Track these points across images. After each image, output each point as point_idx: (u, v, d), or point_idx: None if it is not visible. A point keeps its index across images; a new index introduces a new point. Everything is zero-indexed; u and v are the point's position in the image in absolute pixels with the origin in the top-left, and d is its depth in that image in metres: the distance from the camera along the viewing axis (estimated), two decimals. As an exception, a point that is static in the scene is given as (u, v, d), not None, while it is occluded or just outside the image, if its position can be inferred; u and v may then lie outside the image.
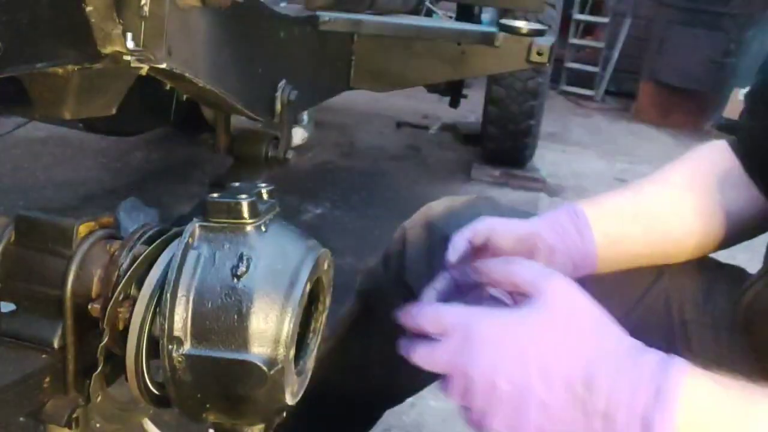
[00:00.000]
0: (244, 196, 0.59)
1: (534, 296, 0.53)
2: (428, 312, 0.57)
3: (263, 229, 0.59)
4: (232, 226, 0.58)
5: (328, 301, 0.65)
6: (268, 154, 1.57)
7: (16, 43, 0.66)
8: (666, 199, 0.79)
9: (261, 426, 0.62)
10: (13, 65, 0.67)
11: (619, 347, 0.50)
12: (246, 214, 0.59)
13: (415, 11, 2.43)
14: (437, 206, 0.93)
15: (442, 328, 0.55)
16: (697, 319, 0.79)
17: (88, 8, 0.72)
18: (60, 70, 0.80)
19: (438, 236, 0.88)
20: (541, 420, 0.48)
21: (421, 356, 0.55)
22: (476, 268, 0.61)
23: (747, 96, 0.82)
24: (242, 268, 0.56)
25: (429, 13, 2.74)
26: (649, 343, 0.71)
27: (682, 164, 0.83)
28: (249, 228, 0.58)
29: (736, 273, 0.84)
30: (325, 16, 1.62)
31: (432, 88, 3.22)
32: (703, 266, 0.84)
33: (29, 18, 0.67)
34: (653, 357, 0.48)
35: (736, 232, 0.79)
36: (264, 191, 0.64)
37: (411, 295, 0.83)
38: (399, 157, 3.56)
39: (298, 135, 1.97)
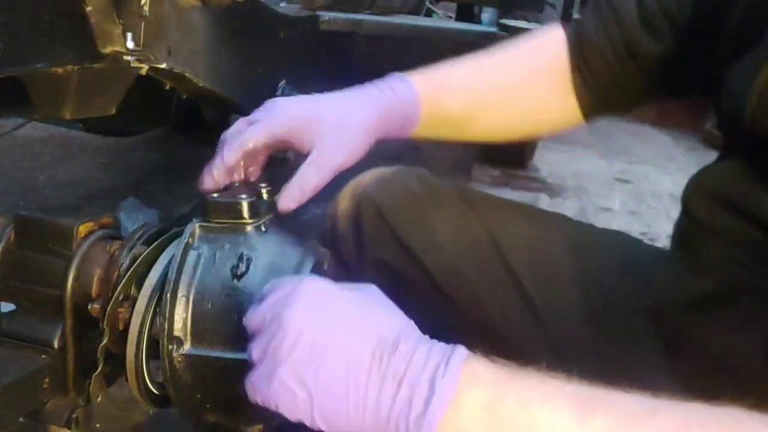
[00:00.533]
0: (244, 196, 0.59)
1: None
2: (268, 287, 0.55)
3: (263, 229, 0.59)
4: (232, 226, 0.59)
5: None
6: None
7: (16, 43, 0.66)
8: (496, 77, 0.81)
9: (260, 426, 0.62)
10: (13, 65, 0.67)
11: (417, 329, 0.51)
12: (246, 214, 0.59)
13: (415, 11, 2.43)
14: (365, 177, 0.93)
15: (274, 287, 0.53)
16: (613, 303, 0.79)
17: (88, 8, 0.72)
18: (60, 70, 0.80)
19: (365, 207, 0.88)
20: (333, 374, 0.47)
21: (247, 317, 0.53)
22: None
23: None
24: (242, 268, 0.56)
25: (429, 13, 2.74)
26: (564, 325, 0.75)
27: (523, 51, 0.83)
28: (249, 228, 0.58)
29: (658, 254, 0.84)
30: (325, 16, 1.62)
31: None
32: (623, 244, 0.85)
33: (29, 18, 0.67)
34: (443, 342, 0.50)
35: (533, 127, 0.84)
36: (264, 191, 0.64)
37: (344, 268, 0.85)
38: (399, 157, 3.55)
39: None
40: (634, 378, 0.47)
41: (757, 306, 0.61)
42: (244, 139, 0.67)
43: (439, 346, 0.48)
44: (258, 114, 0.69)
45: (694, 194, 0.67)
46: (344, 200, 0.92)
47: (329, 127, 0.69)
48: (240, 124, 0.69)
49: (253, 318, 0.52)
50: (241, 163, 0.69)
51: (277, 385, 0.48)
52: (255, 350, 0.51)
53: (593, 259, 0.82)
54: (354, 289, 0.53)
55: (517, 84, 0.81)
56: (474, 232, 0.85)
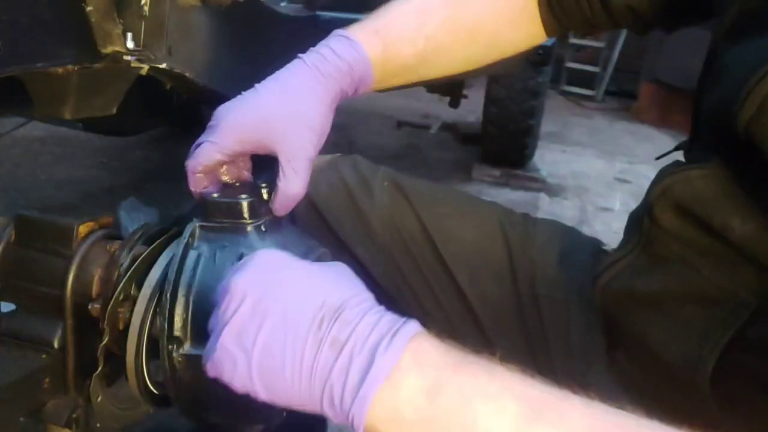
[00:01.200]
0: (244, 196, 0.59)
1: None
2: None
3: (263, 229, 0.59)
4: (232, 226, 0.58)
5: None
6: (268, 154, 1.57)
7: (16, 43, 0.66)
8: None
9: (260, 426, 0.62)
10: (13, 65, 0.67)
11: (369, 299, 0.49)
12: (246, 214, 0.59)
13: (415, 11, 2.43)
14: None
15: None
16: (548, 293, 0.78)
17: (88, 8, 0.72)
18: (60, 70, 0.80)
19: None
20: (272, 337, 0.46)
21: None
22: None
23: None
24: (242, 268, 0.56)
25: (429, 13, 2.73)
26: (497, 317, 0.72)
27: None
28: (249, 228, 0.58)
29: (594, 243, 0.83)
30: (325, 16, 1.62)
31: (432, 88, 3.22)
32: (559, 236, 0.83)
33: (29, 18, 0.67)
34: (396, 315, 0.48)
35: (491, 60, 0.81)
36: (264, 191, 0.64)
37: None
38: (399, 157, 3.56)
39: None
40: (566, 367, 0.46)
41: (701, 311, 0.60)
42: (194, 163, 0.64)
43: (389, 318, 0.46)
44: (208, 131, 0.67)
45: (661, 200, 0.65)
46: None
47: (286, 127, 0.66)
48: (194, 147, 0.67)
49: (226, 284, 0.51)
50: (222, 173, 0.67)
51: (219, 351, 0.47)
52: (210, 323, 0.50)
53: (528, 249, 0.81)
54: (314, 263, 0.52)
55: (473, 21, 0.78)
56: (407, 222, 0.84)
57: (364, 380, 0.42)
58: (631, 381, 0.51)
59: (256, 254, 0.51)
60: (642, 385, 0.50)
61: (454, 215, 0.85)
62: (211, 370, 0.49)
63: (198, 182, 0.64)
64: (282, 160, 0.65)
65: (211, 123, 0.67)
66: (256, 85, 0.69)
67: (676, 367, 0.61)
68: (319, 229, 0.85)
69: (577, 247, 0.82)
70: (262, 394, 0.47)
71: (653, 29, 0.80)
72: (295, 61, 0.70)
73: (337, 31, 0.72)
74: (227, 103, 0.68)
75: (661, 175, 0.66)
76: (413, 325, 0.45)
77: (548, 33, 0.82)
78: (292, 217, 0.83)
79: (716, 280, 0.60)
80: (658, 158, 0.74)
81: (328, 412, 0.45)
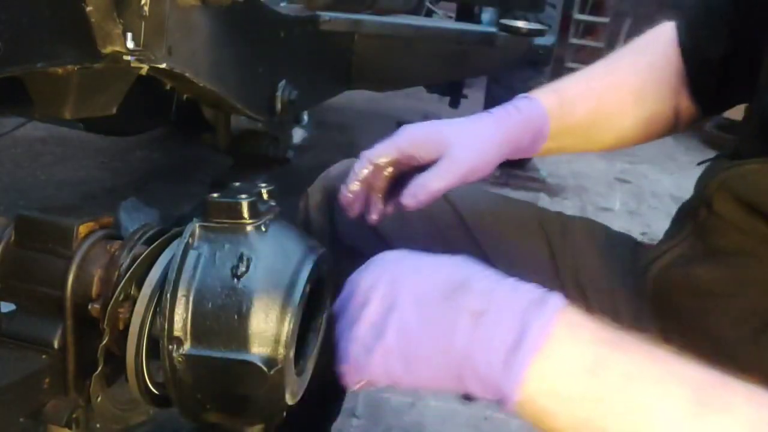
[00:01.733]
0: (244, 196, 0.59)
1: None
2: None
3: (263, 229, 0.59)
4: (232, 226, 0.58)
5: (328, 301, 0.65)
6: (268, 154, 1.57)
7: (16, 43, 0.66)
8: (614, 85, 0.81)
9: (261, 426, 0.62)
10: (13, 65, 0.67)
11: (501, 275, 0.48)
12: (246, 214, 0.59)
13: (415, 11, 2.43)
14: (334, 169, 0.94)
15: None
16: (593, 284, 0.80)
17: (88, 8, 0.72)
18: (60, 70, 0.80)
19: (336, 197, 0.87)
20: (405, 319, 0.45)
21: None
22: None
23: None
24: (242, 269, 0.56)
25: (429, 13, 2.74)
26: None
27: (634, 53, 0.84)
28: (249, 228, 0.58)
29: (627, 238, 0.86)
30: (325, 16, 1.62)
31: (432, 88, 3.22)
32: (595, 230, 0.86)
33: (29, 18, 0.67)
34: (532, 284, 0.46)
35: (653, 130, 0.83)
36: (264, 191, 0.64)
37: None
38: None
39: (298, 135, 1.97)
40: None
41: (762, 297, 0.63)
42: (372, 153, 0.71)
43: (528, 286, 0.44)
44: (390, 136, 0.72)
45: (720, 192, 0.67)
46: (315, 193, 0.93)
47: (455, 141, 0.69)
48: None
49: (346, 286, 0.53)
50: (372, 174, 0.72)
51: (355, 347, 0.47)
52: (338, 327, 0.50)
53: (569, 242, 0.84)
54: (432, 255, 0.52)
55: (640, 86, 0.81)
56: (446, 218, 0.86)
57: (517, 350, 0.40)
58: None
59: (376, 256, 0.52)
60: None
61: (492, 212, 0.87)
62: (350, 374, 0.48)
63: (354, 187, 0.71)
64: (438, 162, 0.69)
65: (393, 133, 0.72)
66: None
67: (737, 351, 0.63)
68: (357, 224, 0.85)
69: (613, 241, 0.85)
70: (405, 380, 0.45)
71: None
72: (481, 113, 0.76)
73: (521, 95, 0.79)
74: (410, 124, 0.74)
75: (712, 171, 0.69)
76: (559, 296, 0.43)
77: (702, 105, 0.82)
78: (330, 213, 0.88)
79: None
80: (699, 164, 0.76)
81: (474, 387, 0.43)
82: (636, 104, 0.81)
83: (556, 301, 0.43)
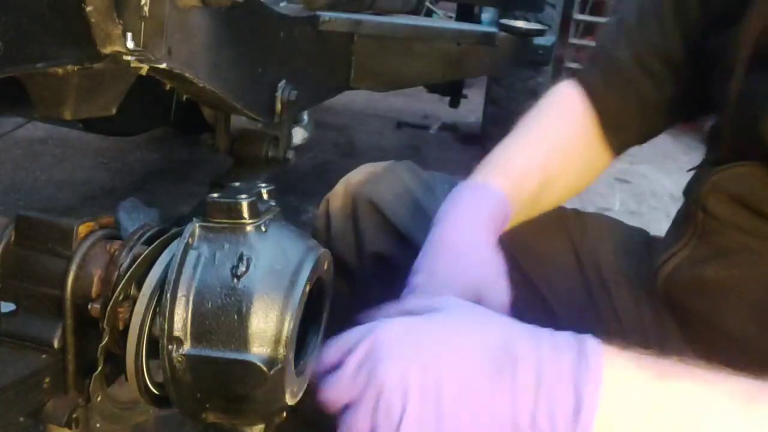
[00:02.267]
0: (244, 196, 0.59)
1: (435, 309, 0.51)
2: (333, 344, 0.52)
3: (263, 229, 0.59)
4: (232, 226, 0.58)
5: (328, 301, 0.65)
6: (268, 154, 1.57)
7: (16, 43, 0.66)
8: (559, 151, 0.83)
9: (261, 426, 0.62)
10: (13, 65, 0.67)
11: (527, 327, 0.47)
12: (246, 214, 0.59)
13: (415, 11, 2.43)
14: (357, 174, 0.94)
15: (347, 348, 0.50)
16: (614, 278, 0.81)
17: (88, 8, 0.72)
18: (60, 70, 0.80)
19: (360, 202, 0.89)
20: (456, 415, 0.43)
21: (330, 387, 0.48)
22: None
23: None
24: (242, 269, 0.56)
25: (429, 13, 2.74)
26: (573, 309, 0.76)
27: (553, 119, 0.86)
28: (249, 228, 0.58)
29: (641, 232, 0.88)
30: (325, 16, 1.62)
31: (432, 88, 3.22)
32: (611, 225, 0.88)
33: (29, 18, 0.67)
34: (564, 333, 0.46)
35: (595, 173, 0.88)
36: (264, 191, 0.64)
37: (340, 265, 0.83)
38: (399, 157, 3.55)
39: (298, 135, 1.97)
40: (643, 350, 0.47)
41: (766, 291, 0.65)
42: None
43: (564, 342, 0.44)
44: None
45: (713, 195, 0.69)
46: (337, 199, 0.93)
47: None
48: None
49: (338, 389, 0.48)
50: None
51: None
52: (359, 423, 0.46)
53: (588, 238, 0.86)
54: (429, 310, 0.49)
55: (574, 142, 0.84)
56: None
57: (579, 416, 0.41)
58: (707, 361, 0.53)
59: (378, 332, 0.47)
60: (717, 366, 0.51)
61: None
62: None
63: None
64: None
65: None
66: None
67: (751, 348, 0.66)
68: (384, 231, 0.87)
69: (627, 235, 0.87)
70: None
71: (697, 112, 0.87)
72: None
73: (476, 186, 0.76)
74: None
75: (703, 174, 0.72)
76: (592, 342, 0.44)
77: (613, 148, 0.87)
78: (355, 220, 0.88)
79: None
80: (689, 170, 0.80)
81: None
82: (575, 160, 0.84)
83: (594, 348, 0.44)
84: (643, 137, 0.88)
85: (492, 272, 0.68)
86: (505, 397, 0.43)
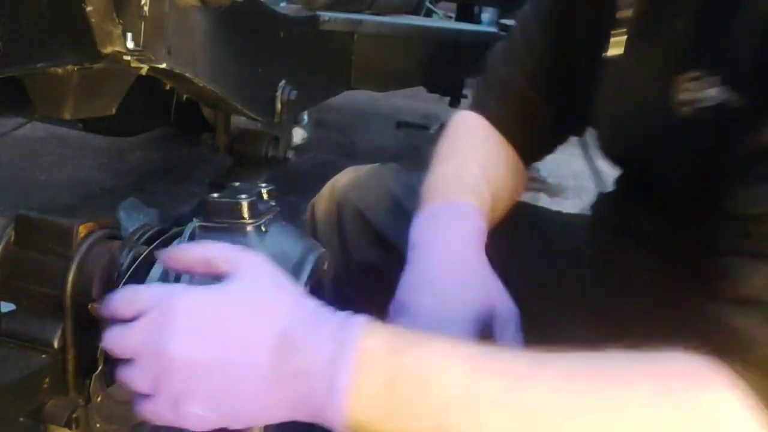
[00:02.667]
0: (244, 196, 0.59)
1: (231, 272, 0.52)
2: (124, 294, 0.53)
3: (263, 229, 0.59)
4: (232, 226, 0.58)
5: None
6: (268, 154, 1.57)
7: (16, 43, 0.66)
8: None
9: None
10: (13, 65, 0.67)
11: (309, 308, 0.51)
12: (246, 214, 0.59)
13: (415, 11, 2.43)
14: (342, 178, 0.94)
15: (138, 309, 0.51)
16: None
17: (88, 8, 0.72)
18: (60, 70, 0.80)
19: (346, 209, 0.89)
20: (234, 390, 0.47)
21: (112, 339, 0.51)
22: (171, 255, 0.56)
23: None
24: (242, 268, 0.56)
25: (429, 13, 2.74)
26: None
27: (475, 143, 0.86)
28: (249, 228, 0.58)
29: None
30: (325, 16, 1.62)
31: (432, 88, 3.21)
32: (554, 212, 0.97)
33: (29, 18, 0.67)
34: (338, 316, 0.50)
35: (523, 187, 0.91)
36: (264, 191, 0.64)
37: None
38: (399, 157, 3.55)
39: (298, 135, 1.97)
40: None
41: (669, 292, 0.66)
42: None
43: (329, 327, 0.48)
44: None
45: (598, 225, 0.80)
46: (322, 203, 0.93)
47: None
48: None
49: (124, 345, 0.50)
50: None
51: (182, 414, 0.48)
52: (139, 379, 0.49)
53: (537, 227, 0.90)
54: (229, 284, 0.51)
55: (495, 162, 0.84)
56: None
57: (332, 399, 0.46)
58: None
59: (172, 302, 0.49)
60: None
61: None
62: (169, 425, 0.49)
63: None
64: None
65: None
66: None
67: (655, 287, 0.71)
68: (370, 239, 0.87)
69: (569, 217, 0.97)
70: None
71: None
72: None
73: (440, 204, 0.75)
74: None
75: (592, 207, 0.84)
76: (352, 325, 0.48)
77: (527, 160, 0.90)
78: (340, 227, 0.89)
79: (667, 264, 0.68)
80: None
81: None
82: (506, 171, 0.85)
83: (352, 338, 0.47)
84: (551, 147, 0.91)
85: (496, 285, 0.68)
86: (274, 382, 0.47)
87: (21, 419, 0.59)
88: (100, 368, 0.59)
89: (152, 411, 0.50)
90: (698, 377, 0.44)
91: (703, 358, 0.45)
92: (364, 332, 0.48)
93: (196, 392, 0.48)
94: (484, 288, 0.67)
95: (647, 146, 0.67)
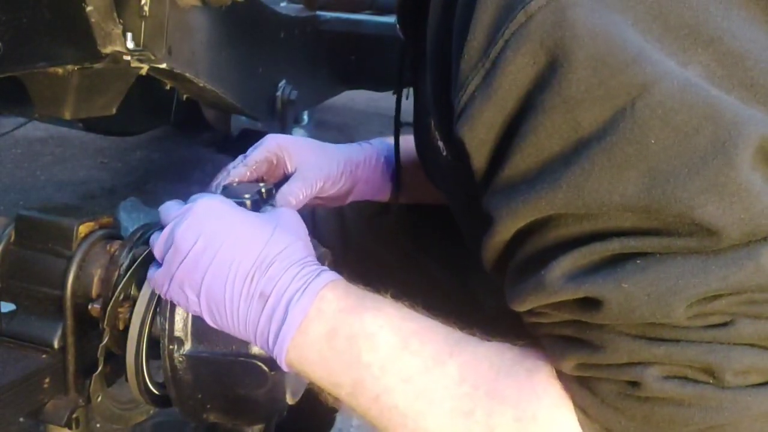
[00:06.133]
0: (246, 195, 0.59)
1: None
2: (168, 203, 0.62)
3: (263, 229, 0.59)
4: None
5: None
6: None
7: (16, 43, 0.66)
8: None
9: (261, 426, 0.62)
10: (13, 65, 0.67)
11: (299, 249, 0.55)
12: (246, 214, 0.58)
13: (415, 11, 2.43)
14: None
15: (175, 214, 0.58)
16: None
17: (88, 8, 0.72)
18: (60, 70, 0.80)
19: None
20: (215, 287, 0.52)
21: (156, 241, 0.57)
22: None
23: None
24: (242, 268, 0.56)
25: (429, 13, 2.73)
26: None
27: None
28: (249, 228, 0.58)
29: None
30: (325, 16, 1.62)
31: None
32: None
33: (29, 18, 0.67)
34: (316, 264, 0.55)
35: None
36: (264, 191, 0.64)
37: None
38: (399, 157, 3.55)
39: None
40: None
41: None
42: (227, 174, 0.72)
43: (305, 272, 0.52)
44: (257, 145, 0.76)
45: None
46: None
47: (310, 150, 0.77)
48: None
49: (157, 247, 0.56)
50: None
51: (173, 289, 0.54)
52: (157, 249, 0.56)
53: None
54: (252, 213, 0.57)
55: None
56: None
57: (281, 330, 0.51)
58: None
59: (195, 203, 0.56)
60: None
61: None
62: (164, 295, 0.56)
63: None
64: (296, 173, 0.75)
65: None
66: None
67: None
68: (338, 234, 0.90)
69: None
70: (214, 326, 0.54)
71: None
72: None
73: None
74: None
75: None
76: (324, 278, 0.52)
77: None
78: (340, 210, 0.92)
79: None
80: None
81: (263, 349, 0.54)
82: None
83: (317, 283, 0.52)
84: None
85: None
86: (246, 298, 0.52)
87: (21, 419, 0.59)
88: (100, 368, 0.59)
89: (155, 276, 0.56)
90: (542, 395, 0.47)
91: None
92: (329, 284, 0.52)
93: (184, 273, 0.53)
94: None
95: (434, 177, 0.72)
